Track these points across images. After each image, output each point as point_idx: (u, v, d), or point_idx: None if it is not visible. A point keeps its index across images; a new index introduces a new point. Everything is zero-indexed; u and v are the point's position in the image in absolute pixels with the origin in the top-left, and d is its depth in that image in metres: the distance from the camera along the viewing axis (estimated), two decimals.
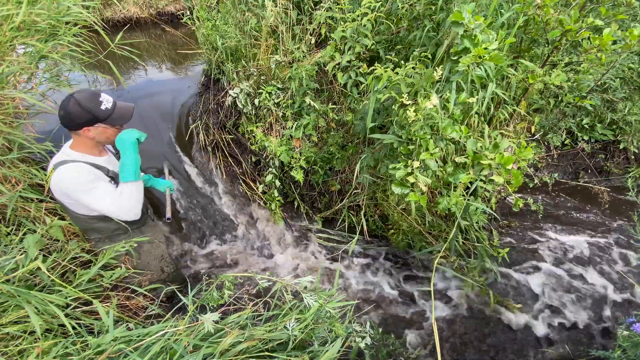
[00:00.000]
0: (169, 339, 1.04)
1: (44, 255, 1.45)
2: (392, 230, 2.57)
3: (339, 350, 1.06)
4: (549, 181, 3.26)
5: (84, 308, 1.43)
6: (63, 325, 1.29)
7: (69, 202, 1.50)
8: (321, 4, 2.61)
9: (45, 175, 1.81)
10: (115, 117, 1.46)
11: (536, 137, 3.04)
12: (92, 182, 1.43)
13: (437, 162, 1.59)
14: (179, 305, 1.30)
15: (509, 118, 2.13)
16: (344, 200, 2.69)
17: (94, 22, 2.15)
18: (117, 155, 1.71)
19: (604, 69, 2.57)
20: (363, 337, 1.20)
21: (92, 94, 1.42)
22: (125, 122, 1.51)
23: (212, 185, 2.97)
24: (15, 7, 1.82)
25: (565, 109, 3.10)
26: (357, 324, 1.24)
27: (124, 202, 1.48)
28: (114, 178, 1.57)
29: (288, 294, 1.22)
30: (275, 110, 2.74)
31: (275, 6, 2.60)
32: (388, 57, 2.19)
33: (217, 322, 1.11)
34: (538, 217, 2.94)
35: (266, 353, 1.07)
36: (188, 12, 3.06)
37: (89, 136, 1.46)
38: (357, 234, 2.38)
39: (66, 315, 1.30)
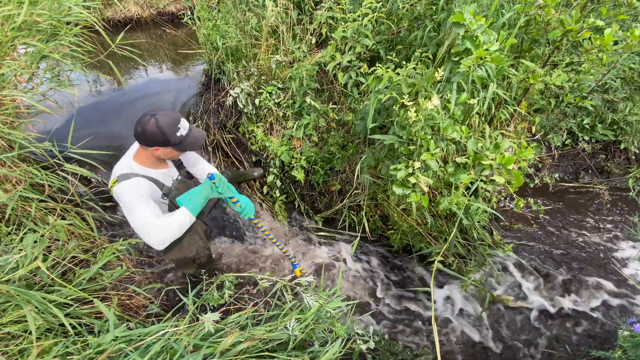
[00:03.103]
0: (169, 338, 1.04)
1: (44, 255, 1.46)
2: (392, 231, 2.57)
3: (340, 351, 1.06)
4: (549, 181, 3.26)
5: (85, 308, 1.43)
6: (64, 325, 1.29)
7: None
8: (322, 4, 2.61)
9: (47, 175, 1.82)
10: (187, 144, 1.50)
11: (537, 137, 3.04)
12: (137, 202, 1.44)
13: (437, 162, 1.59)
14: (179, 305, 1.30)
15: (509, 118, 2.13)
16: (345, 200, 2.69)
17: (94, 22, 2.15)
18: (177, 164, 1.80)
19: (604, 69, 2.56)
20: (366, 341, 1.19)
21: (172, 119, 1.44)
22: (195, 150, 1.55)
23: None
24: (17, 8, 1.82)
25: (566, 109, 3.09)
26: (358, 328, 1.24)
27: (166, 230, 1.43)
28: (167, 194, 1.63)
29: (288, 294, 1.22)
30: (276, 110, 2.74)
31: (276, 6, 2.60)
32: (389, 57, 2.19)
33: (217, 322, 1.11)
34: (538, 218, 2.94)
35: (266, 353, 1.07)
36: (189, 12, 3.07)
37: (155, 154, 1.52)
38: (359, 234, 2.38)
39: (67, 315, 1.30)
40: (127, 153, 1.61)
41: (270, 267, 2.61)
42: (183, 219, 1.47)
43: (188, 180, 1.89)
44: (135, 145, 1.61)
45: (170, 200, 1.70)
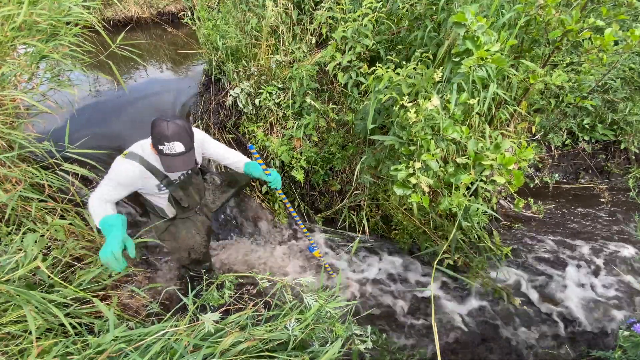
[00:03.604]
0: (169, 338, 1.04)
1: (44, 255, 1.46)
2: (396, 231, 2.57)
3: (340, 351, 1.06)
4: (549, 181, 3.26)
5: (85, 307, 1.43)
6: (64, 325, 1.29)
7: None
8: (322, 4, 2.61)
9: (46, 175, 1.82)
10: (163, 162, 1.53)
11: (537, 137, 3.04)
12: (120, 185, 1.56)
13: (438, 162, 1.59)
14: (179, 305, 1.30)
15: (509, 118, 2.13)
16: (345, 201, 2.69)
17: (94, 22, 2.15)
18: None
19: (605, 69, 2.56)
20: (364, 341, 1.19)
21: (163, 135, 1.47)
22: (169, 171, 1.56)
23: None
24: (17, 8, 1.82)
25: (566, 109, 3.09)
26: (357, 328, 1.24)
27: (90, 208, 1.52)
28: (168, 186, 1.71)
29: (288, 294, 1.22)
30: (276, 110, 2.74)
31: (276, 6, 2.60)
32: (389, 57, 2.19)
33: (217, 322, 1.11)
34: (538, 218, 2.94)
35: (266, 353, 1.07)
36: (189, 12, 3.06)
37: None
38: (359, 234, 2.38)
39: (67, 315, 1.30)
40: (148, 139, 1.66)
41: (277, 265, 2.61)
42: (94, 215, 1.52)
43: (197, 175, 1.93)
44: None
45: (171, 193, 1.76)
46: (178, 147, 1.49)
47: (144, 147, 1.62)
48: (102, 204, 1.52)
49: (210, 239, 2.21)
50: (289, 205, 2.10)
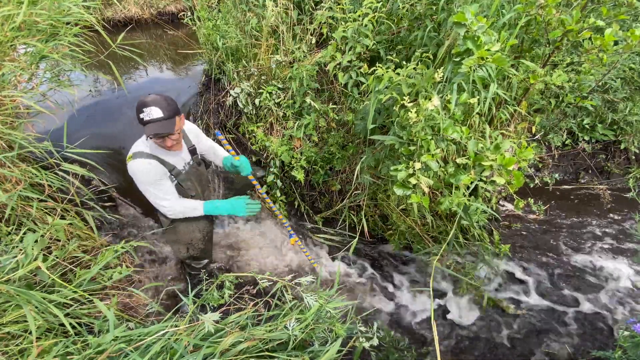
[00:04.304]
0: (169, 338, 1.04)
1: (44, 255, 1.46)
2: (390, 231, 2.57)
3: (343, 351, 1.06)
4: (549, 181, 3.25)
5: (85, 307, 1.43)
6: (64, 325, 1.29)
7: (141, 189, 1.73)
8: (322, 4, 2.61)
9: (46, 175, 1.82)
10: (146, 129, 1.56)
11: (537, 137, 3.04)
12: (159, 180, 1.68)
13: (438, 162, 1.58)
14: (179, 305, 1.30)
15: (509, 118, 2.13)
16: (345, 201, 2.69)
17: (94, 22, 2.15)
18: (190, 149, 1.92)
19: (605, 69, 2.56)
20: (370, 338, 1.19)
21: (142, 102, 1.53)
22: (154, 136, 1.59)
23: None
24: (16, 8, 1.82)
25: (566, 109, 3.09)
26: (362, 325, 1.24)
27: (180, 212, 1.79)
28: (177, 176, 1.80)
29: (288, 294, 1.22)
30: (276, 110, 2.74)
31: (276, 6, 2.60)
32: (389, 57, 2.19)
33: (217, 322, 1.11)
34: (539, 218, 2.94)
35: (266, 353, 1.07)
36: (189, 12, 3.06)
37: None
38: (358, 234, 2.37)
39: (67, 315, 1.30)
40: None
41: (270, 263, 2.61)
42: (190, 211, 1.80)
43: (199, 166, 2.01)
44: None
45: (179, 182, 1.84)
46: (155, 112, 1.52)
47: (144, 142, 1.69)
48: (179, 201, 1.75)
49: (212, 237, 2.23)
50: (265, 195, 2.19)
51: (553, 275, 2.50)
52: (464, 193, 1.66)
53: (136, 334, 1.08)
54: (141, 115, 1.52)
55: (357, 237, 2.30)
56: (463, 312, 2.28)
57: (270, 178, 2.78)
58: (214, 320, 1.06)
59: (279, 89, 2.75)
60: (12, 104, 1.84)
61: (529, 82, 1.85)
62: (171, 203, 1.75)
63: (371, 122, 1.87)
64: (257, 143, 2.80)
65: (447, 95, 1.64)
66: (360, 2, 2.32)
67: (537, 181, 3.20)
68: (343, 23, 2.31)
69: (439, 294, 2.39)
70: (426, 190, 1.55)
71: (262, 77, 2.79)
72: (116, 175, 2.60)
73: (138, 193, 1.73)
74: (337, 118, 2.68)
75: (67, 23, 2.13)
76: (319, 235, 2.84)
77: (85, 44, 2.16)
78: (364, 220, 2.37)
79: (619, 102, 3.05)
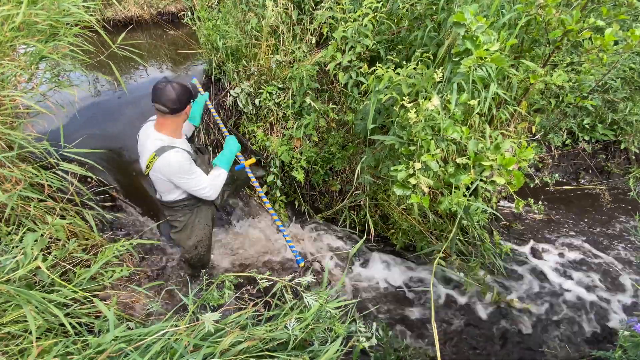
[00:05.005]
0: (169, 338, 1.04)
1: (44, 255, 1.46)
2: (392, 230, 2.57)
3: (342, 350, 1.06)
4: (549, 181, 3.25)
5: (85, 307, 1.43)
6: (64, 325, 1.29)
7: (168, 186, 1.74)
8: (322, 4, 2.61)
9: (46, 174, 1.82)
10: (195, 93, 1.69)
11: (537, 137, 3.04)
12: (192, 165, 1.69)
13: (438, 162, 1.58)
14: (179, 305, 1.30)
15: (509, 118, 2.13)
16: (345, 201, 2.69)
17: (93, 22, 2.15)
18: (189, 139, 1.96)
19: (605, 69, 2.56)
20: (368, 338, 1.19)
21: (155, 87, 1.59)
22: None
23: None
24: (16, 8, 1.82)
25: (566, 109, 3.09)
26: (362, 325, 1.24)
27: (217, 185, 1.81)
28: (195, 161, 1.82)
29: (288, 294, 1.22)
30: (276, 110, 2.74)
31: (276, 6, 2.60)
32: (389, 57, 2.19)
33: (217, 322, 1.11)
34: (539, 218, 2.94)
35: (266, 353, 1.07)
36: (189, 12, 3.06)
37: (184, 118, 1.71)
38: (365, 234, 2.36)
39: (67, 315, 1.30)
40: (146, 133, 1.72)
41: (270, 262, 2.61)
42: (221, 180, 1.85)
43: (199, 153, 2.07)
44: (149, 125, 1.74)
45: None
46: (161, 107, 1.60)
47: (161, 139, 1.68)
48: (209, 178, 1.78)
49: (212, 240, 2.25)
50: (259, 189, 2.18)
51: (552, 274, 2.50)
52: (464, 193, 1.66)
53: (136, 333, 1.08)
54: (153, 98, 1.59)
55: (364, 238, 2.30)
56: (463, 310, 2.28)
57: (270, 178, 2.78)
58: (214, 320, 1.06)
59: (279, 89, 2.75)
60: (11, 104, 1.84)
61: (529, 82, 1.85)
62: (209, 182, 1.78)
63: (371, 122, 1.87)
64: (257, 143, 2.80)
65: (447, 95, 1.64)
66: (360, 2, 2.32)
67: (537, 181, 3.20)
68: (343, 23, 2.31)
69: (440, 293, 2.39)
70: (426, 190, 1.54)
71: (262, 77, 2.79)
72: (116, 174, 2.60)
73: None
74: (337, 118, 2.68)
75: (67, 23, 2.13)
76: (319, 235, 2.84)
77: (85, 44, 2.16)
78: (368, 218, 2.35)
79: (619, 102, 3.05)
